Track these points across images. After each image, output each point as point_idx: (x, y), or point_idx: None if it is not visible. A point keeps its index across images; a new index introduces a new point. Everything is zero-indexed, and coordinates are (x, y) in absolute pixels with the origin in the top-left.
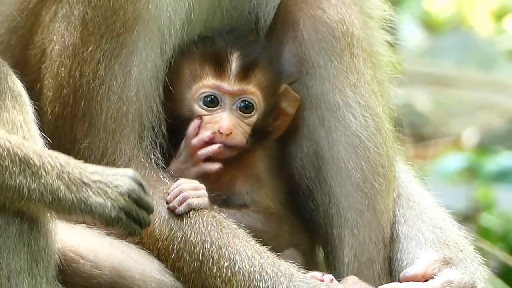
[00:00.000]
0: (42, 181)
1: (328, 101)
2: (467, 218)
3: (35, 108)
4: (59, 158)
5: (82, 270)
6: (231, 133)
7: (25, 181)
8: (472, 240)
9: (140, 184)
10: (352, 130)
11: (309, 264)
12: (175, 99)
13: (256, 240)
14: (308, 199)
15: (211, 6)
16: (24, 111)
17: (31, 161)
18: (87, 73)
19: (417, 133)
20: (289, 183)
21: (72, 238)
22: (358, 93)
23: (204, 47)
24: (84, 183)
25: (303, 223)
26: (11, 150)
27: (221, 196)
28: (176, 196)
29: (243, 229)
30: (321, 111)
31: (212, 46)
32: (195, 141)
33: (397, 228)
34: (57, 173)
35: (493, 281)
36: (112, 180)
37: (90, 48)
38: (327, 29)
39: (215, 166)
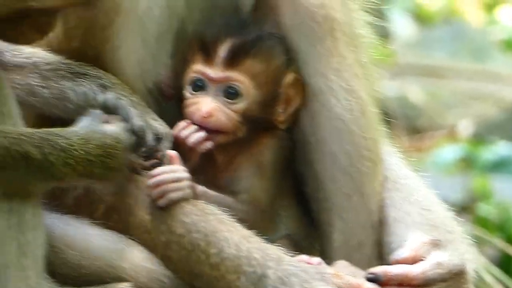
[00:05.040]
0: (51, 170)
1: (310, 85)
2: (464, 208)
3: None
4: (60, 143)
5: (71, 260)
6: (211, 116)
7: (31, 174)
8: (469, 229)
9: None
10: (336, 114)
11: (305, 253)
12: (175, 85)
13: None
14: (303, 186)
15: None
16: (8, 102)
17: (33, 155)
18: None
19: (412, 126)
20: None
21: (60, 229)
22: (341, 77)
23: (200, 34)
24: (90, 161)
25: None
26: (10, 148)
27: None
28: (157, 187)
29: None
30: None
31: (206, 33)
32: (174, 131)
33: (385, 211)
34: (63, 161)
35: (491, 270)
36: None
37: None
38: (307, 14)
39: (206, 146)
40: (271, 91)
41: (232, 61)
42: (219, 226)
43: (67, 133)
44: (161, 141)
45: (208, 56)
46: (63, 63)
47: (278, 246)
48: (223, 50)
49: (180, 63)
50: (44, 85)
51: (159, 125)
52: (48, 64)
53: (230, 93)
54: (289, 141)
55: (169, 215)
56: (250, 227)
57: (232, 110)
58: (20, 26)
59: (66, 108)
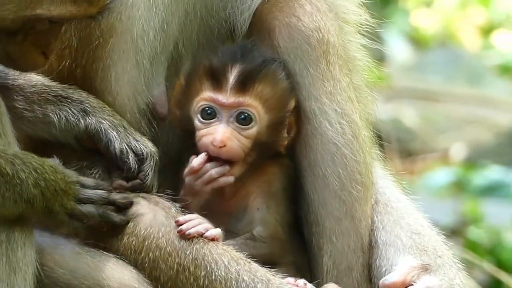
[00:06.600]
0: (17, 189)
1: (304, 108)
2: (455, 232)
3: None
4: (32, 162)
5: (61, 280)
6: (225, 146)
7: None
8: (459, 252)
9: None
10: (328, 137)
11: (304, 277)
12: (181, 115)
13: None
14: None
15: (186, 15)
16: (2, 120)
17: (3, 170)
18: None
19: (405, 148)
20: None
21: (50, 248)
22: (334, 100)
23: (206, 61)
24: (57, 191)
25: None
26: None
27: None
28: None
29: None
30: None
31: (213, 60)
32: (193, 164)
33: (375, 234)
34: (33, 181)
35: None
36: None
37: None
38: (302, 37)
39: (230, 179)
40: (279, 115)
41: (243, 86)
42: (208, 247)
43: (40, 159)
44: (144, 161)
45: (218, 82)
46: (46, 86)
47: (278, 269)
48: (233, 76)
49: (182, 92)
50: (28, 108)
51: (142, 145)
52: (32, 86)
53: (243, 118)
54: (293, 168)
55: (160, 234)
56: (268, 257)
57: (245, 136)
58: (23, 43)
59: (51, 132)
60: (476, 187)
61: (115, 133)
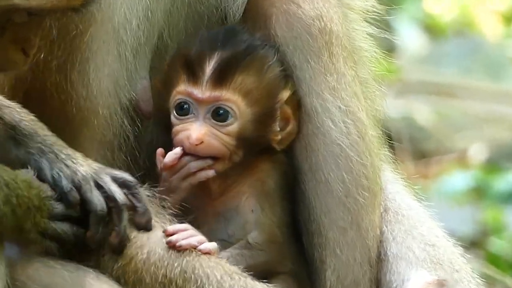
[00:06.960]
0: None
1: (304, 105)
2: (474, 243)
3: None
4: (5, 178)
5: None
6: (202, 143)
7: None
8: (479, 266)
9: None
10: (331, 138)
11: None
12: (162, 107)
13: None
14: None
15: (172, 2)
16: None
17: None
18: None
19: (418, 149)
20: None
21: (23, 261)
22: (338, 97)
23: (184, 51)
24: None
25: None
26: None
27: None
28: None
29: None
30: None
31: (191, 49)
32: (166, 159)
33: (384, 246)
34: (3, 198)
35: None
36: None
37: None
38: (302, 26)
39: (209, 173)
40: (266, 107)
41: (221, 78)
42: (199, 260)
43: (13, 172)
44: (80, 187)
45: (193, 74)
46: None
47: (277, 284)
48: (210, 67)
49: (161, 82)
50: None
51: (74, 170)
52: None
53: (221, 114)
54: (289, 165)
55: (146, 244)
56: (266, 265)
57: (225, 133)
58: (0, 39)
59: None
60: (498, 193)
61: (44, 160)
